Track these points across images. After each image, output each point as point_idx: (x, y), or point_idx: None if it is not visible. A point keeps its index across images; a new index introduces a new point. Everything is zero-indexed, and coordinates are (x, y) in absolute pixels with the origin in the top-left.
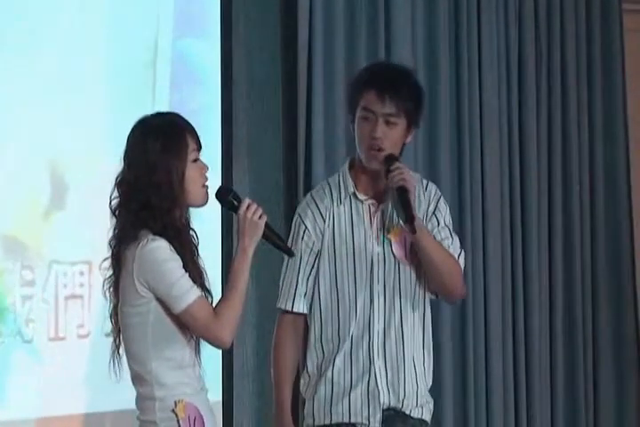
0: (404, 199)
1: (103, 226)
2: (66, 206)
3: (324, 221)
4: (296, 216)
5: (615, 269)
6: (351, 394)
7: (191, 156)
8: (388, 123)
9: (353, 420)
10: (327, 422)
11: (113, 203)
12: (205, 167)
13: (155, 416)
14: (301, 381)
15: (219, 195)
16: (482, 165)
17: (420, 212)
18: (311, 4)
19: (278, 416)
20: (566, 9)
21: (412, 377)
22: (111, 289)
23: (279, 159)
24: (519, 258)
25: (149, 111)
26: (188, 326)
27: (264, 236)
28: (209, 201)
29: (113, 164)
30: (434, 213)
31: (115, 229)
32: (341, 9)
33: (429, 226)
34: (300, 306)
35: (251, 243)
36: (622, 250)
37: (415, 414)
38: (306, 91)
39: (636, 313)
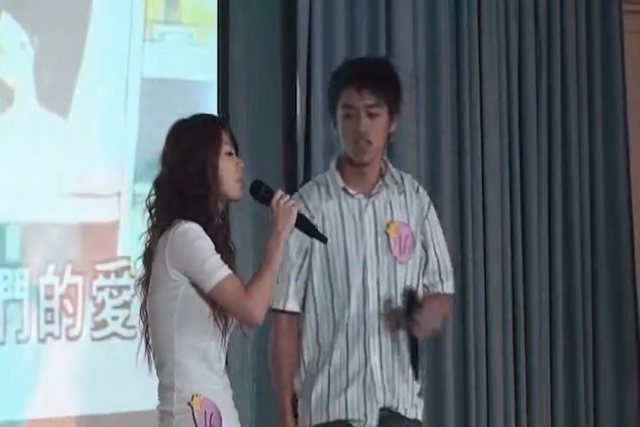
0: (413, 347)
1: None
2: None
3: (314, 218)
4: None
5: (615, 269)
6: (347, 391)
7: (225, 148)
8: (370, 115)
9: (350, 417)
10: (324, 420)
11: (150, 200)
12: (240, 162)
13: (172, 407)
14: (296, 379)
15: (252, 189)
16: (482, 164)
17: (412, 215)
18: (311, 3)
19: (282, 415)
20: (566, 9)
21: (405, 375)
22: (141, 287)
23: (279, 159)
24: (519, 258)
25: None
26: (220, 303)
27: (297, 224)
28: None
29: None
30: (427, 221)
31: (149, 226)
32: (341, 8)
33: (421, 238)
34: (295, 305)
35: (284, 228)
36: (622, 249)
37: (410, 414)
38: (306, 91)
39: (636, 313)
